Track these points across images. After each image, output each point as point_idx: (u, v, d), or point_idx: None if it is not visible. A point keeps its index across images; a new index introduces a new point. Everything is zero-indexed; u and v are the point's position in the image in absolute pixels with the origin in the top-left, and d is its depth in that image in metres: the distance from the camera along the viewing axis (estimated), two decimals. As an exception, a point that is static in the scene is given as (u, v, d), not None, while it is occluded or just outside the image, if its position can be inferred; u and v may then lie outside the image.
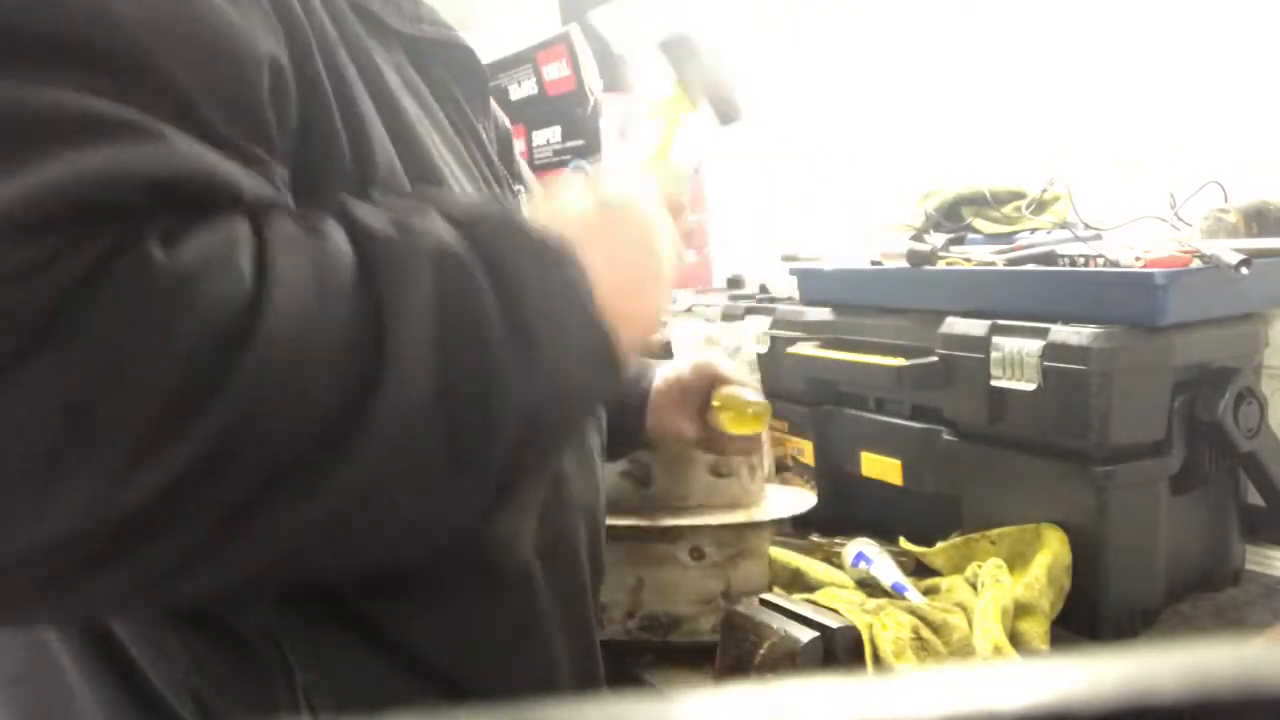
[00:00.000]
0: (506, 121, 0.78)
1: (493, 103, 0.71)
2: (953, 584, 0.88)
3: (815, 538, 1.05)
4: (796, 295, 1.22)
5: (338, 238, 0.43)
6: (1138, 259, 0.83)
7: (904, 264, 1.02)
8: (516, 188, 0.70)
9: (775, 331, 1.16)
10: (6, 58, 0.38)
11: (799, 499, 0.94)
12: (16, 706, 0.59)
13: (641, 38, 0.86)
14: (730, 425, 0.87)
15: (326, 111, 0.50)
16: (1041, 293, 0.89)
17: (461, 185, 0.61)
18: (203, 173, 0.41)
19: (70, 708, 0.55)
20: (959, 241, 1.09)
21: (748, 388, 0.90)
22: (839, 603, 0.78)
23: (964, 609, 0.82)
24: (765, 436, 1.10)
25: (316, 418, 0.39)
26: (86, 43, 0.40)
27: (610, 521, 0.85)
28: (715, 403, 0.88)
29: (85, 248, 0.36)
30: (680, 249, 0.61)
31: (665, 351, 1.18)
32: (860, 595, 0.89)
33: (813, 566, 0.96)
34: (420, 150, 0.56)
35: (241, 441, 0.37)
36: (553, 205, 0.57)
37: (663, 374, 0.92)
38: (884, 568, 0.93)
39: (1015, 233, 1.08)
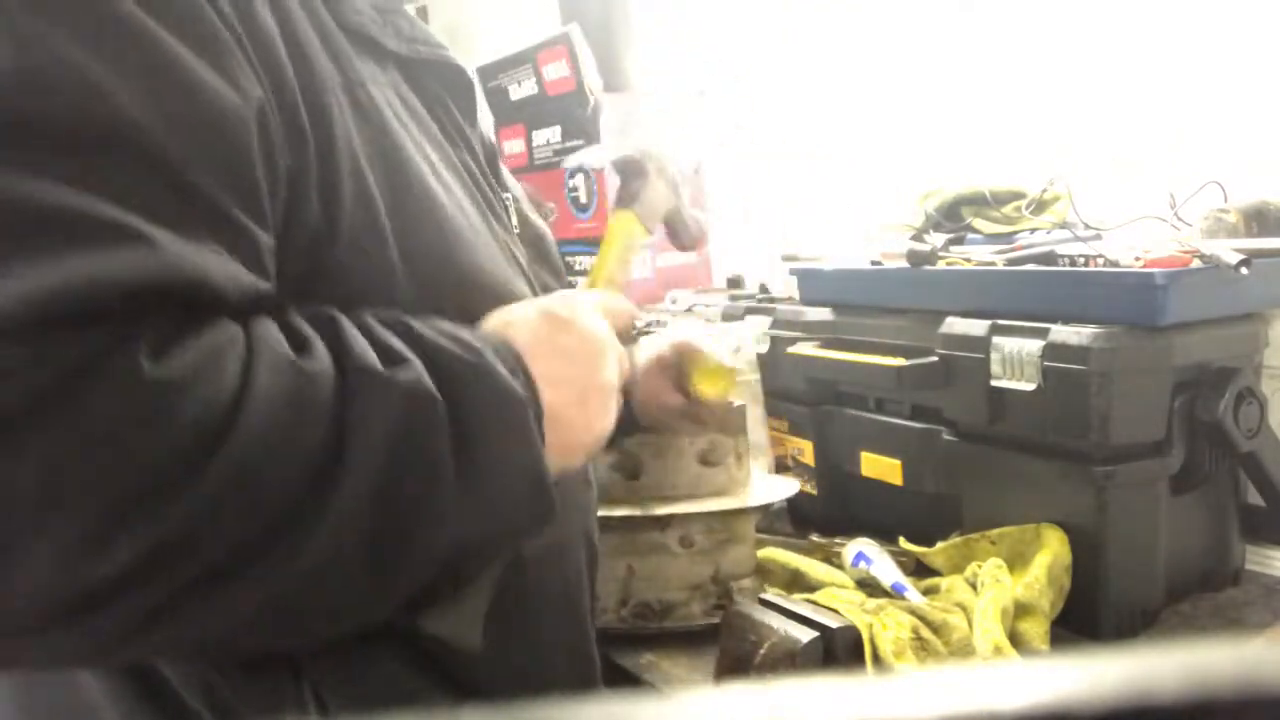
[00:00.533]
0: (493, 136, 0.78)
1: (480, 118, 0.73)
2: (953, 584, 0.88)
3: (815, 538, 1.05)
4: (796, 295, 1.22)
5: (321, 361, 0.46)
6: (1138, 259, 0.83)
7: (904, 264, 1.02)
8: (505, 195, 0.73)
9: (775, 331, 1.16)
10: (3, 145, 0.40)
11: (784, 485, 0.95)
12: (27, 702, 0.59)
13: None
14: (702, 385, 0.90)
15: (307, 164, 0.52)
16: (1041, 293, 0.89)
17: (455, 195, 0.62)
18: (187, 278, 0.43)
19: (80, 702, 0.55)
20: (959, 241, 1.09)
21: (718, 354, 0.93)
22: (839, 603, 0.78)
23: (964, 609, 0.82)
24: (753, 426, 1.11)
25: (267, 524, 0.43)
26: (81, 128, 0.42)
27: (601, 512, 0.86)
28: (687, 367, 0.90)
29: (72, 350, 0.39)
30: (625, 367, 0.63)
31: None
32: (860, 595, 0.89)
33: (813, 566, 0.96)
34: (412, 175, 0.58)
35: (193, 539, 0.41)
36: (504, 314, 0.59)
37: (644, 355, 0.93)
38: (884, 568, 0.93)
39: (1015, 233, 1.08)
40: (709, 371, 0.91)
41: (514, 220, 0.72)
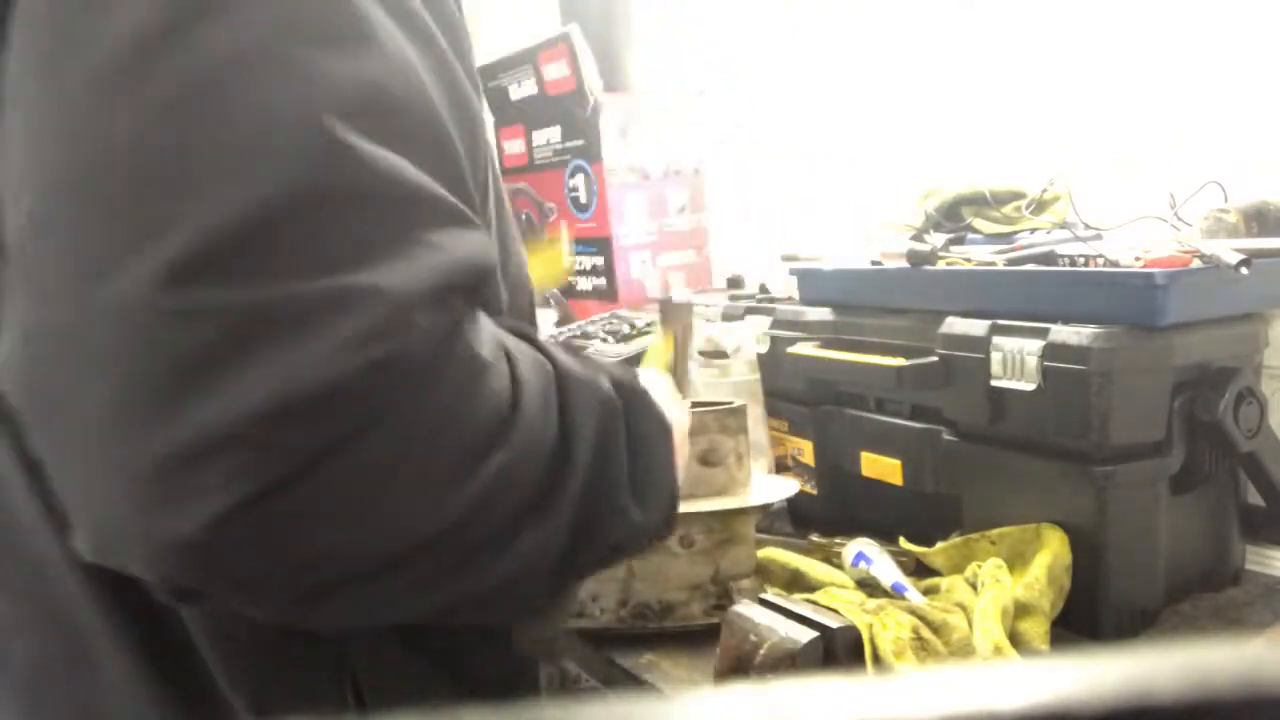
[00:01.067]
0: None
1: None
2: (953, 584, 0.88)
3: (815, 538, 1.05)
4: (796, 295, 1.22)
5: (547, 362, 0.51)
6: (1138, 259, 0.83)
7: (904, 264, 1.02)
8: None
9: (775, 331, 1.16)
10: (375, 130, 0.42)
11: (784, 485, 0.95)
12: (35, 700, 0.56)
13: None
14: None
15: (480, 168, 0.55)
16: (1041, 293, 0.89)
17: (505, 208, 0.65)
18: (495, 261, 0.49)
19: (98, 698, 0.54)
20: (959, 241, 1.09)
21: None
22: (839, 603, 0.78)
23: (964, 609, 0.82)
24: (753, 426, 1.11)
25: (519, 509, 0.47)
26: (426, 123, 0.46)
27: None
28: None
29: (444, 322, 0.42)
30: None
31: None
32: (860, 595, 0.89)
33: (813, 566, 0.96)
34: (501, 205, 0.62)
35: (478, 514, 0.45)
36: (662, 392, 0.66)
37: None
38: (884, 568, 0.93)
39: (1015, 233, 1.08)
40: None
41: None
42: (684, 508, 0.88)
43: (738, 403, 0.94)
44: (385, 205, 0.42)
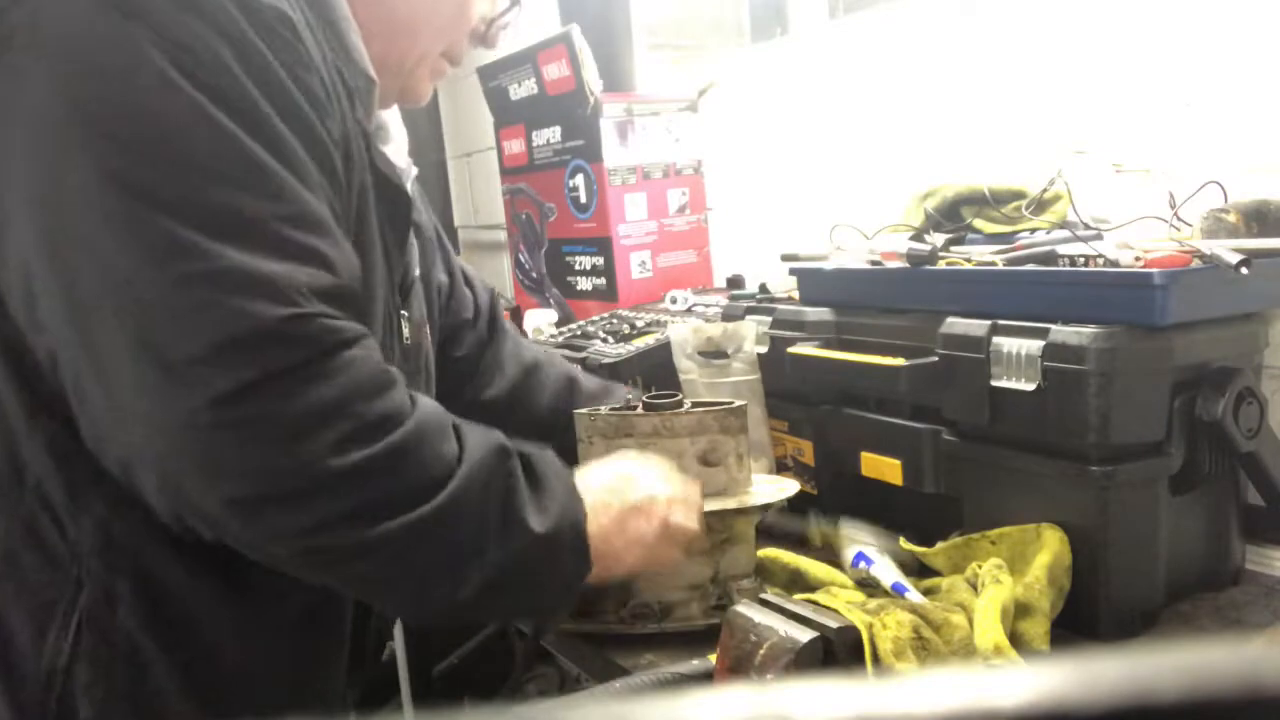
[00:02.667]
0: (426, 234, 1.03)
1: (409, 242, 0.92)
2: (953, 584, 0.88)
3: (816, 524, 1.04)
4: (796, 295, 1.22)
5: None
6: (1138, 259, 0.83)
7: (904, 264, 1.02)
8: (401, 312, 0.90)
9: (775, 331, 1.16)
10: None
11: (784, 486, 0.95)
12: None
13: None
14: None
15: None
16: (1041, 293, 0.89)
17: (380, 293, 0.81)
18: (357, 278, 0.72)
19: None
20: (959, 241, 1.09)
21: None
22: (839, 603, 0.78)
23: (964, 609, 0.82)
24: (753, 426, 1.11)
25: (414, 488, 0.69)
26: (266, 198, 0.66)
27: None
28: None
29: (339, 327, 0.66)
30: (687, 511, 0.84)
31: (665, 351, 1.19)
32: (860, 595, 0.89)
33: (813, 566, 0.96)
34: (370, 276, 0.78)
35: (377, 477, 0.66)
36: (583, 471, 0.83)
37: None
38: (884, 568, 0.93)
39: (1015, 233, 1.08)
40: None
41: (406, 335, 0.89)
42: None
43: (738, 403, 0.94)
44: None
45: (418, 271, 0.95)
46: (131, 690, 0.69)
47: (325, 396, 0.62)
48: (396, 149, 0.92)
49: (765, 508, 0.92)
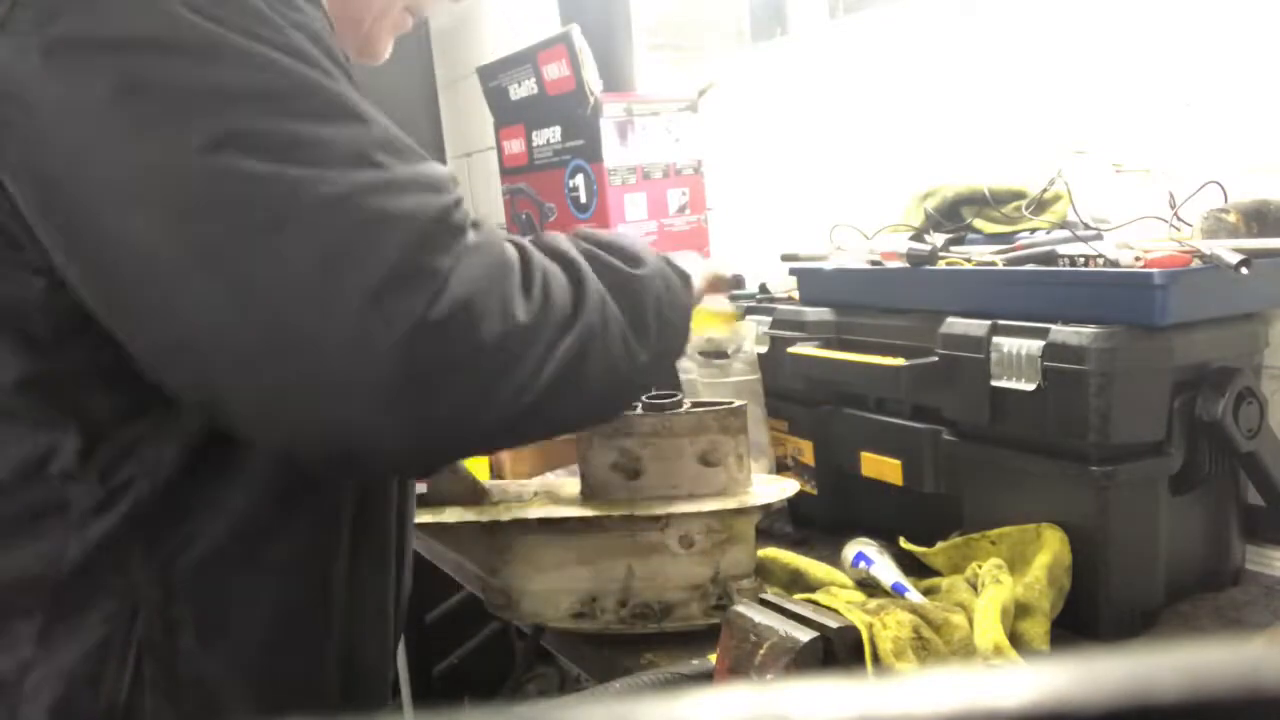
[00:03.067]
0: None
1: None
2: (953, 584, 0.88)
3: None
4: (796, 295, 1.22)
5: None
6: (1138, 259, 0.83)
7: (904, 264, 1.02)
8: None
9: (775, 331, 1.16)
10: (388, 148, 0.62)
11: (783, 486, 0.95)
12: None
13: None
14: (699, 323, 1.06)
15: None
16: (1041, 293, 0.89)
17: None
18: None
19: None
20: (959, 241, 1.09)
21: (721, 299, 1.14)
22: (839, 603, 0.78)
23: (964, 609, 0.82)
24: (753, 426, 1.11)
25: (567, 295, 0.69)
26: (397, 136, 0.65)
27: (601, 513, 0.90)
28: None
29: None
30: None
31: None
32: (860, 595, 0.89)
33: (813, 566, 0.96)
34: None
35: (547, 306, 0.66)
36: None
37: None
38: (884, 568, 0.93)
39: (1015, 233, 1.08)
40: (707, 313, 1.09)
41: None
42: (684, 508, 0.89)
43: (738, 403, 0.94)
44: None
45: None
46: (200, 714, 0.67)
47: (489, 264, 0.62)
48: None
49: (765, 508, 0.92)
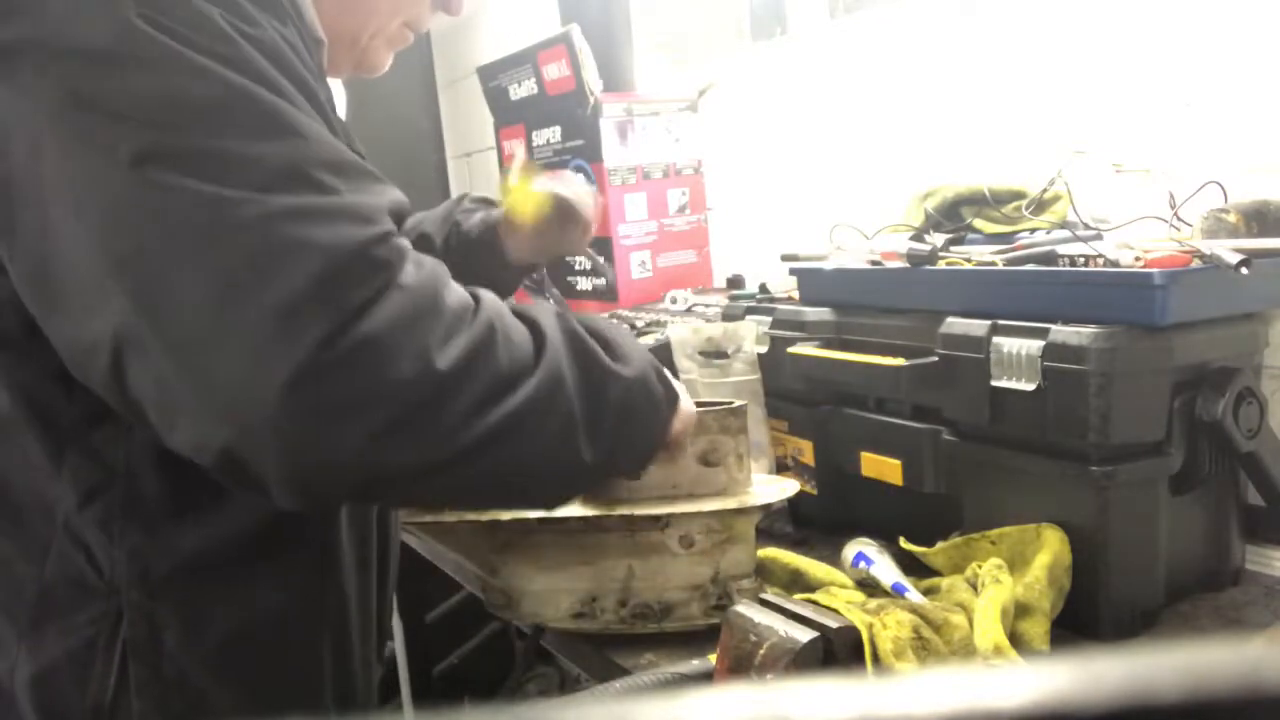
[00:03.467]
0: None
1: None
2: (953, 584, 0.88)
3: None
4: (796, 295, 1.22)
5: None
6: (1138, 259, 0.83)
7: (904, 264, 1.02)
8: None
9: (775, 331, 1.16)
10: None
11: (784, 486, 0.95)
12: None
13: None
14: (509, 202, 1.13)
15: None
16: (1041, 293, 0.89)
17: None
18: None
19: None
20: (959, 241, 1.09)
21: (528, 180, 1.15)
22: (839, 603, 0.78)
23: (964, 609, 0.82)
24: (753, 426, 1.11)
25: (515, 358, 0.65)
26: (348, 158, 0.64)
27: (601, 512, 0.89)
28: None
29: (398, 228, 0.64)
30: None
31: (665, 353, 1.19)
32: (860, 595, 0.89)
33: (813, 566, 0.96)
34: None
35: (480, 355, 0.63)
36: None
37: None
38: (884, 568, 0.93)
39: (1015, 233, 1.08)
40: (513, 190, 1.13)
41: None
42: (684, 508, 0.89)
43: (738, 403, 0.94)
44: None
45: None
46: (186, 715, 0.68)
47: (411, 305, 0.59)
48: (339, 104, 0.92)
49: (765, 508, 0.92)
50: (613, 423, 0.70)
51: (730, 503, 0.90)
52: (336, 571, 0.77)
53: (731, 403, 0.94)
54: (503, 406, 0.62)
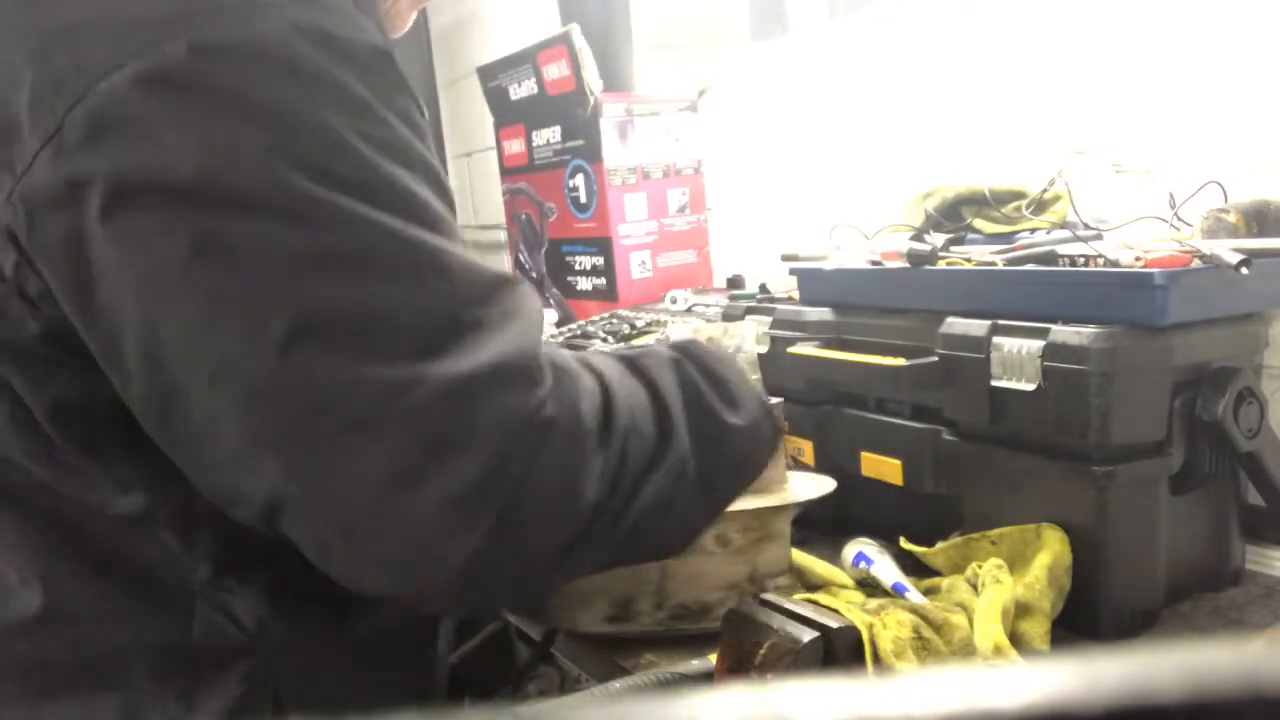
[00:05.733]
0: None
1: None
2: (953, 584, 0.88)
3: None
4: (796, 295, 1.22)
5: (613, 356, 0.69)
6: (1138, 259, 0.83)
7: (904, 264, 1.02)
8: None
9: (775, 331, 1.16)
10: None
11: (820, 483, 0.94)
12: None
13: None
14: None
15: None
16: (1041, 293, 0.89)
17: None
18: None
19: None
20: (959, 241, 1.09)
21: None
22: (839, 603, 0.78)
23: (965, 609, 0.82)
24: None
25: (647, 446, 0.63)
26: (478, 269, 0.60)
27: None
28: None
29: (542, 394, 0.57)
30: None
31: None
32: (860, 595, 0.89)
33: (813, 566, 0.96)
34: None
35: (623, 463, 0.61)
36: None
37: None
38: (884, 568, 0.93)
39: (1015, 233, 1.08)
40: None
41: None
42: None
43: (774, 400, 0.93)
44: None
45: None
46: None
47: (568, 449, 0.57)
48: None
49: (805, 504, 0.91)
50: (726, 481, 0.71)
51: (771, 500, 0.89)
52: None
53: (769, 399, 0.93)
54: (638, 503, 0.61)
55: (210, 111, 0.51)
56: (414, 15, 0.84)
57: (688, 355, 0.69)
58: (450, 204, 0.62)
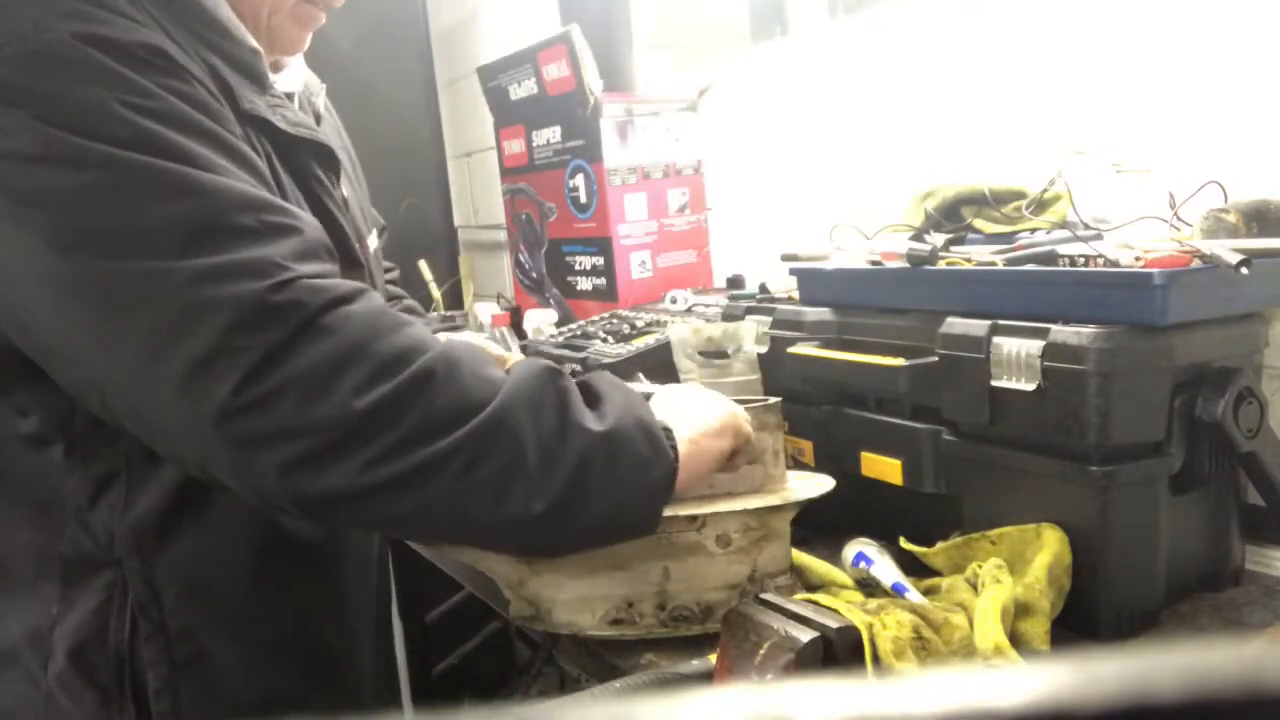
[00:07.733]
0: (346, 193, 1.02)
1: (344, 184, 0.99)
2: (953, 584, 0.88)
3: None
4: (796, 295, 1.22)
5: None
6: (1138, 259, 0.83)
7: (904, 264, 1.02)
8: (372, 229, 1.04)
9: (775, 331, 1.16)
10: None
11: (820, 481, 0.94)
12: None
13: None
14: None
15: None
16: (1041, 293, 0.89)
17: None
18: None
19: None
20: (959, 241, 1.09)
21: None
22: (839, 603, 0.78)
23: (964, 609, 0.82)
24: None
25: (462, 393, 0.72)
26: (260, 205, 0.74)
27: None
28: None
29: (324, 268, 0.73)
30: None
31: (664, 352, 1.19)
32: (860, 595, 0.89)
33: (813, 566, 0.96)
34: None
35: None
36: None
37: None
38: (884, 568, 0.93)
39: (1015, 233, 1.08)
40: None
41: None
42: (723, 506, 0.88)
43: (772, 399, 0.93)
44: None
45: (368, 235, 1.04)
46: (190, 661, 0.81)
47: (332, 348, 0.66)
48: (293, 74, 0.96)
49: (804, 504, 0.91)
50: (568, 476, 0.71)
51: (771, 499, 0.89)
52: (336, 543, 0.90)
53: (767, 399, 0.93)
54: (421, 451, 0.67)
55: None
56: (308, 34, 0.91)
57: (580, 373, 0.79)
58: (241, 160, 0.73)
